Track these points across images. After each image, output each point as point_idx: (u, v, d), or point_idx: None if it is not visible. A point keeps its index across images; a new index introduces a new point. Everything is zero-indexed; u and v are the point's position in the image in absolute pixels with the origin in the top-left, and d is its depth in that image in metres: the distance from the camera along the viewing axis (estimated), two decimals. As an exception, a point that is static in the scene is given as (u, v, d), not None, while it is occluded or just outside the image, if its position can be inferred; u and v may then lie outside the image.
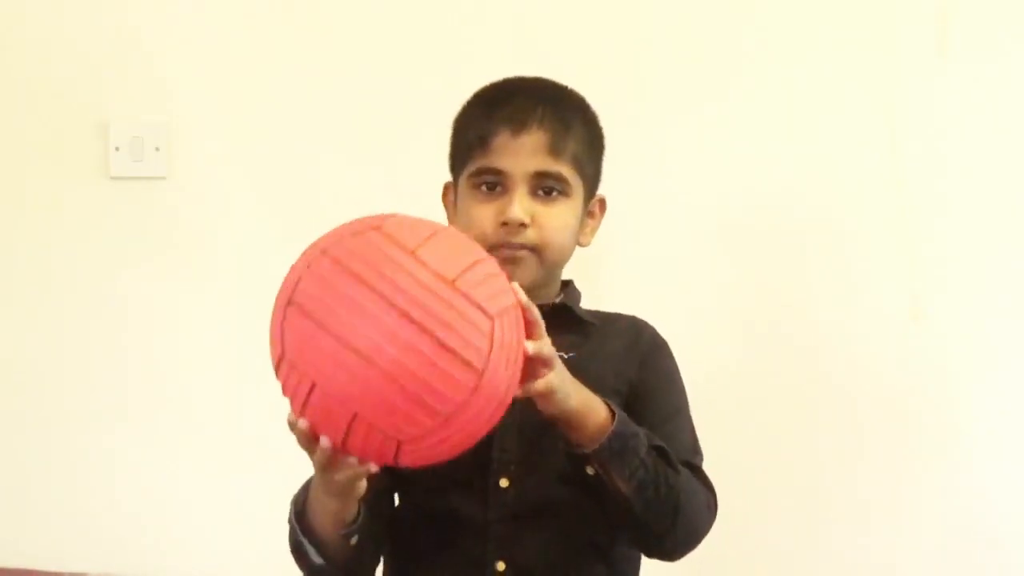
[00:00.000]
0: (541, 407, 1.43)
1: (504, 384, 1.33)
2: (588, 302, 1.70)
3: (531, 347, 1.36)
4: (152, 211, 2.38)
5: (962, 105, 2.19)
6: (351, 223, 1.36)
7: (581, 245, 1.66)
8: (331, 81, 2.33)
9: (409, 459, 1.32)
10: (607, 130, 1.70)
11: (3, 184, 2.41)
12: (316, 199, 2.32)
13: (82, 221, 2.39)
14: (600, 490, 1.49)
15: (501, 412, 1.35)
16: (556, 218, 1.58)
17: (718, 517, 1.59)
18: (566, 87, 1.66)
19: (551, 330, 1.47)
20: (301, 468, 1.44)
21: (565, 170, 1.58)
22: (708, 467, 1.62)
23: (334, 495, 1.42)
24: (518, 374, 1.35)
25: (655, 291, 2.23)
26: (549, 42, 2.25)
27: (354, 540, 1.46)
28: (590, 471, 1.48)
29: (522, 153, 1.56)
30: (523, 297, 1.37)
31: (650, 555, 1.60)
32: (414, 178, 1.77)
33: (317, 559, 1.47)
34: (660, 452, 1.50)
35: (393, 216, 1.35)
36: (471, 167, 1.60)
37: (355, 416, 1.27)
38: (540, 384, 1.39)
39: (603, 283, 2.10)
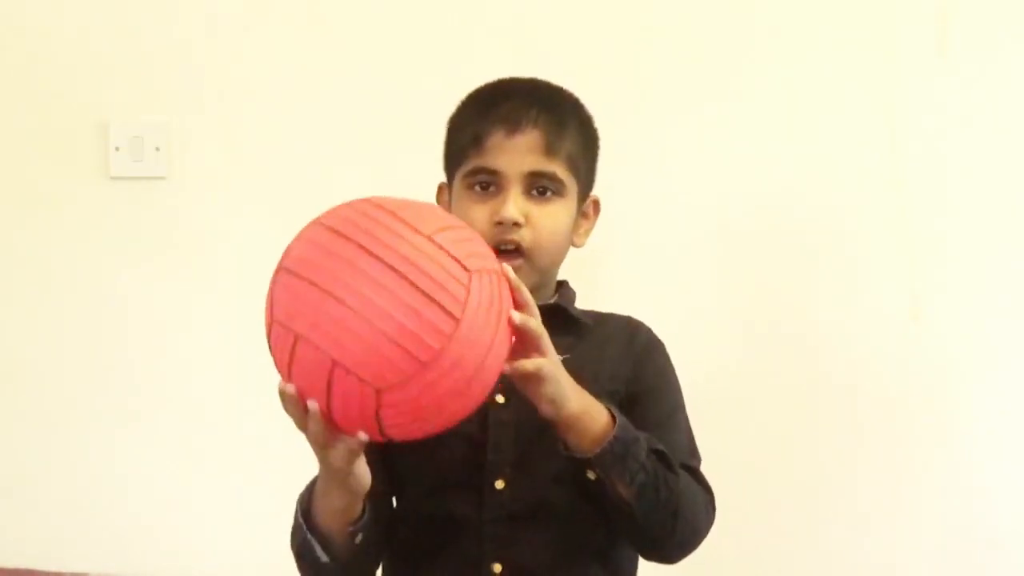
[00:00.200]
0: (542, 411, 1.43)
1: (485, 344, 1.33)
2: (588, 302, 1.70)
3: (517, 317, 1.36)
4: (152, 211, 2.38)
5: (962, 105, 2.19)
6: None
7: (575, 246, 1.66)
8: (330, 81, 2.34)
9: (393, 419, 1.32)
10: (607, 130, 1.70)
11: (3, 184, 2.42)
12: (316, 199, 2.29)
13: (82, 221, 2.39)
14: (599, 494, 1.49)
15: (486, 382, 1.35)
16: (550, 218, 1.58)
17: (718, 517, 1.59)
18: (561, 88, 1.66)
19: (548, 331, 1.47)
20: (302, 468, 1.45)
21: (559, 170, 1.58)
22: (708, 467, 1.62)
23: (337, 485, 1.42)
24: (504, 343, 1.36)
25: (655, 291, 2.23)
26: (549, 42, 2.25)
27: (359, 538, 1.47)
28: (591, 475, 1.48)
29: (516, 153, 1.57)
30: (513, 277, 1.38)
31: (649, 558, 1.60)
32: (414, 178, 1.76)
33: (323, 556, 1.47)
34: (660, 456, 1.50)
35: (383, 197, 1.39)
36: (465, 167, 1.60)
37: (334, 365, 1.29)
38: (529, 364, 1.39)
39: (603, 283, 2.10)
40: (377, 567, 1.60)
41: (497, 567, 1.53)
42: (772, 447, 2.23)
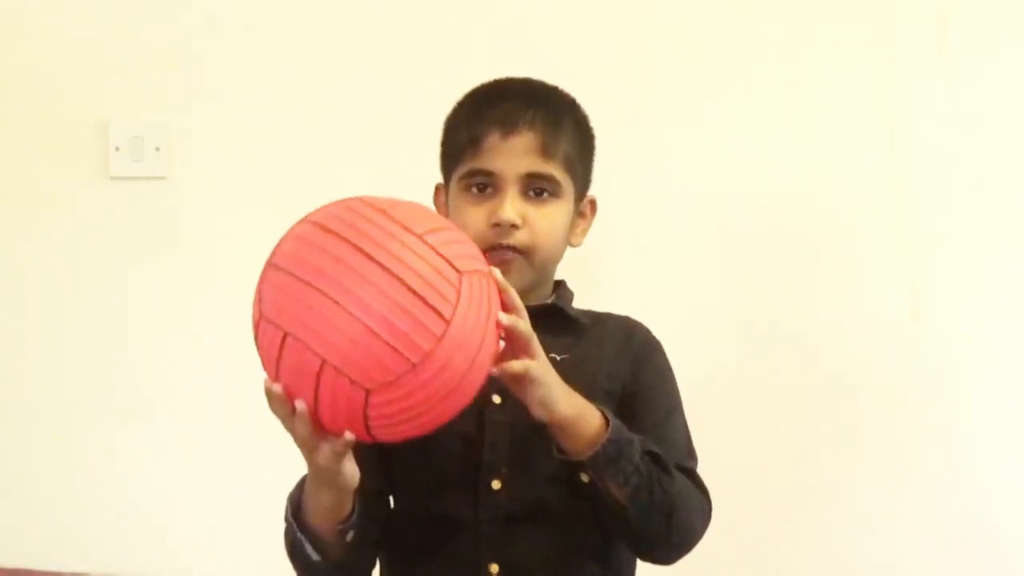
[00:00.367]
0: (534, 413, 1.43)
1: (474, 346, 1.33)
2: (587, 302, 1.70)
3: (505, 319, 1.36)
4: (152, 211, 2.38)
5: (962, 105, 2.19)
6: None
7: (572, 246, 1.66)
8: (330, 81, 2.34)
9: (380, 420, 1.32)
10: (607, 130, 1.70)
11: (3, 184, 2.42)
12: (316, 199, 2.30)
13: (82, 221, 2.39)
14: (594, 496, 1.49)
15: (474, 384, 1.35)
16: (547, 219, 1.58)
17: (718, 516, 1.59)
18: (557, 88, 1.66)
19: (543, 331, 1.48)
20: (301, 468, 1.44)
21: (556, 171, 1.58)
22: (708, 467, 1.62)
23: (325, 483, 1.42)
24: (493, 345, 1.36)
25: (655, 291, 2.23)
26: (549, 42, 2.25)
27: (350, 536, 1.47)
28: (584, 478, 1.48)
29: (513, 154, 1.57)
30: (501, 280, 1.38)
31: (645, 559, 1.60)
32: (414, 178, 1.77)
33: (314, 555, 1.47)
34: (654, 457, 1.50)
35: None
36: (462, 169, 1.60)
37: (323, 364, 1.29)
38: (517, 365, 1.39)
39: (603, 283, 2.11)
40: (373, 565, 1.60)
41: (494, 567, 1.53)
42: (772, 447, 2.23)
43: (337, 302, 1.28)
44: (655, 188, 2.25)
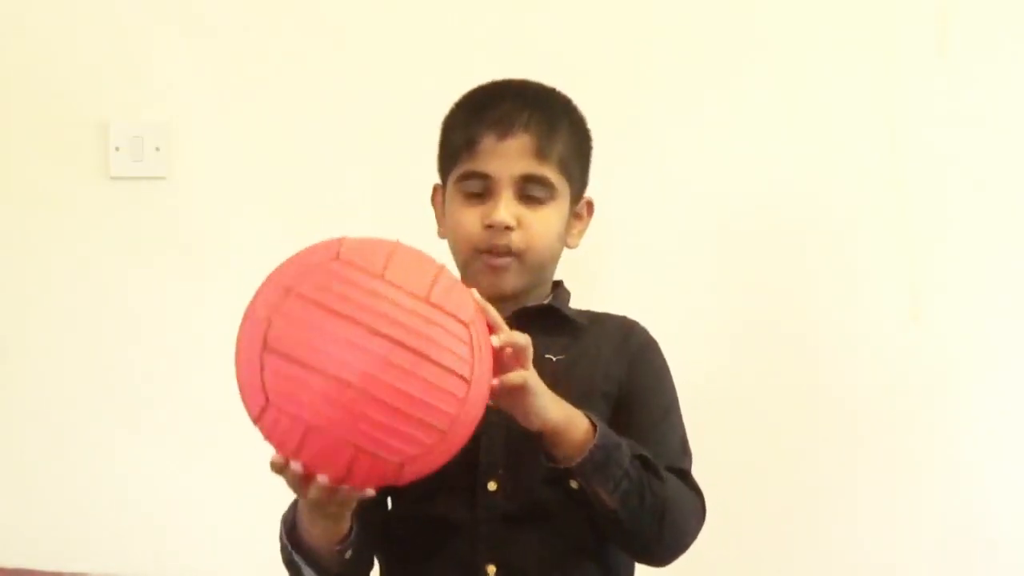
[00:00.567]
0: (523, 422, 1.43)
1: (487, 385, 1.34)
2: (587, 302, 1.70)
3: (496, 340, 1.36)
4: (152, 211, 2.38)
5: (962, 105, 2.19)
6: (303, 255, 1.34)
7: (569, 247, 1.66)
8: (330, 81, 2.34)
9: (409, 478, 1.33)
10: (606, 130, 1.70)
11: (3, 184, 2.41)
12: (316, 199, 2.33)
13: (82, 221, 2.39)
14: (585, 500, 1.49)
15: (482, 411, 1.35)
16: (542, 221, 1.58)
17: (718, 516, 1.59)
18: (553, 90, 1.66)
19: (540, 331, 1.48)
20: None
21: (551, 173, 1.58)
22: (707, 467, 1.62)
23: (321, 514, 1.42)
24: (491, 373, 1.36)
25: (654, 291, 2.23)
26: (549, 42, 2.25)
27: (348, 554, 1.47)
28: (574, 484, 1.48)
29: (508, 157, 1.57)
30: (480, 299, 1.37)
31: (639, 561, 1.61)
32: (413, 178, 1.77)
33: (312, 575, 1.47)
34: (644, 461, 1.49)
35: (342, 242, 1.33)
36: (458, 171, 1.60)
37: (356, 450, 1.27)
38: (516, 377, 1.38)
39: (601, 283, 2.11)
40: (371, 568, 1.60)
41: (491, 568, 1.53)
42: (771, 447, 2.22)
43: (368, 393, 1.24)
44: (654, 188, 2.25)
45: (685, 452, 1.61)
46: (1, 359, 2.41)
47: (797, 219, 2.24)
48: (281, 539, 1.50)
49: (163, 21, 2.38)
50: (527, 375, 1.40)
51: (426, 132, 1.69)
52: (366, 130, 2.31)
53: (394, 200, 2.23)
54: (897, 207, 2.21)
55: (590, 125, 1.67)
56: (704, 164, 2.25)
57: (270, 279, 1.33)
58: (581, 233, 1.68)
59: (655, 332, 1.67)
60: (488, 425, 1.37)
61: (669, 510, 1.49)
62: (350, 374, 1.24)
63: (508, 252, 1.57)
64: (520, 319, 1.58)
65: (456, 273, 1.64)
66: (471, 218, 1.58)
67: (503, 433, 1.52)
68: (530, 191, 1.58)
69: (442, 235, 1.66)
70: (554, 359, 1.56)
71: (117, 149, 2.37)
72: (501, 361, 1.38)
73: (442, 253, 1.64)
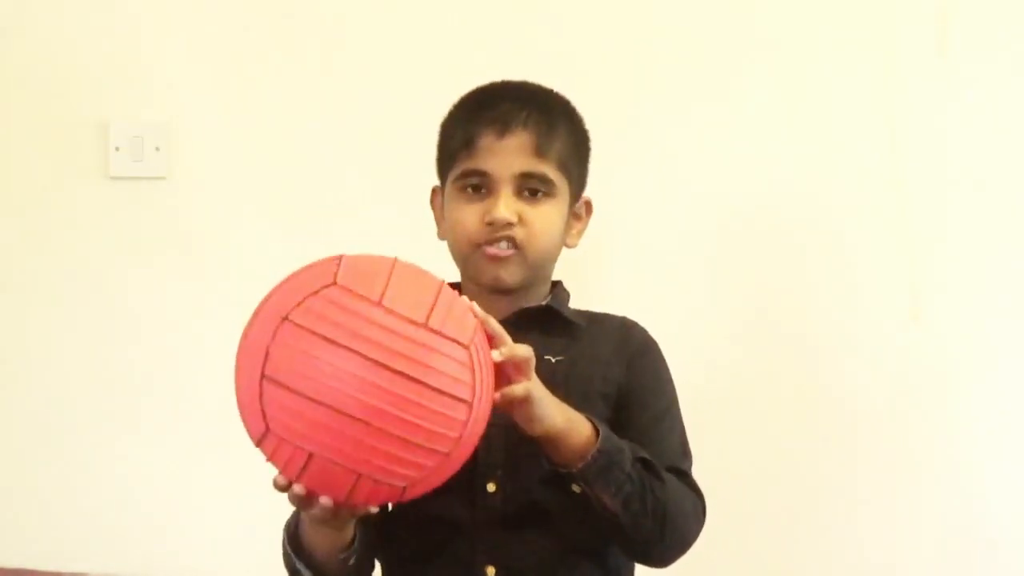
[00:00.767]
0: (525, 428, 1.43)
1: (489, 402, 1.34)
2: (585, 302, 1.70)
3: (497, 355, 1.36)
4: (152, 211, 2.38)
5: (962, 105, 2.19)
6: (299, 278, 1.33)
7: (568, 246, 1.66)
8: (330, 82, 2.34)
9: (413, 496, 1.34)
10: (606, 130, 1.70)
11: (3, 184, 2.41)
12: (316, 199, 2.33)
13: (82, 221, 2.39)
14: (585, 502, 1.49)
15: (485, 426, 1.36)
16: (541, 218, 1.59)
17: (718, 517, 1.59)
18: (551, 89, 1.67)
19: (539, 332, 1.48)
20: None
21: (550, 171, 1.59)
22: (707, 467, 1.62)
23: (330, 528, 1.43)
24: (493, 388, 1.36)
25: (654, 291, 2.23)
26: (548, 43, 2.25)
27: (352, 561, 1.48)
28: (575, 488, 1.48)
29: (507, 154, 1.57)
30: (480, 312, 1.37)
31: (639, 562, 1.61)
32: (413, 179, 1.77)
33: None
34: (645, 464, 1.50)
35: (340, 263, 1.32)
36: (457, 169, 1.60)
37: (359, 477, 1.27)
38: (519, 389, 1.39)
39: (602, 283, 2.11)
40: (372, 568, 1.60)
41: (491, 570, 1.53)
42: (771, 447, 2.22)
43: (370, 423, 1.24)
44: (654, 188, 2.25)
45: (685, 453, 1.61)
46: (1, 359, 2.41)
47: (797, 219, 2.24)
48: (284, 546, 1.51)
49: (163, 21, 2.38)
50: (530, 386, 1.40)
51: (426, 132, 1.69)
52: (366, 130, 2.31)
53: (394, 200, 2.24)
54: (897, 207, 2.21)
55: (590, 125, 1.68)
56: (704, 164, 2.25)
57: (268, 301, 1.32)
58: (580, 233, 1.68)
59: (655, 332, 1.67)
60: (488, 427, 1.37)
61: (670, 512, 1.50)
62: (350, 404, 1.24)
63: (510, 242, 1.57)
64: (519, 320, 1.58)
65: (456, 274, 1.65)
66: (471, 216, 1.58)
67: (502, 435, 1.51)
68: (529, 188, 1.58)
69: (441, 236, 1.66)
70: (553, 360, 1.57)
71: (117, 149, 2.37)
72: (504, 373, 1.38)
73: (442, 254, 1.64)
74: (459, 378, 1.28)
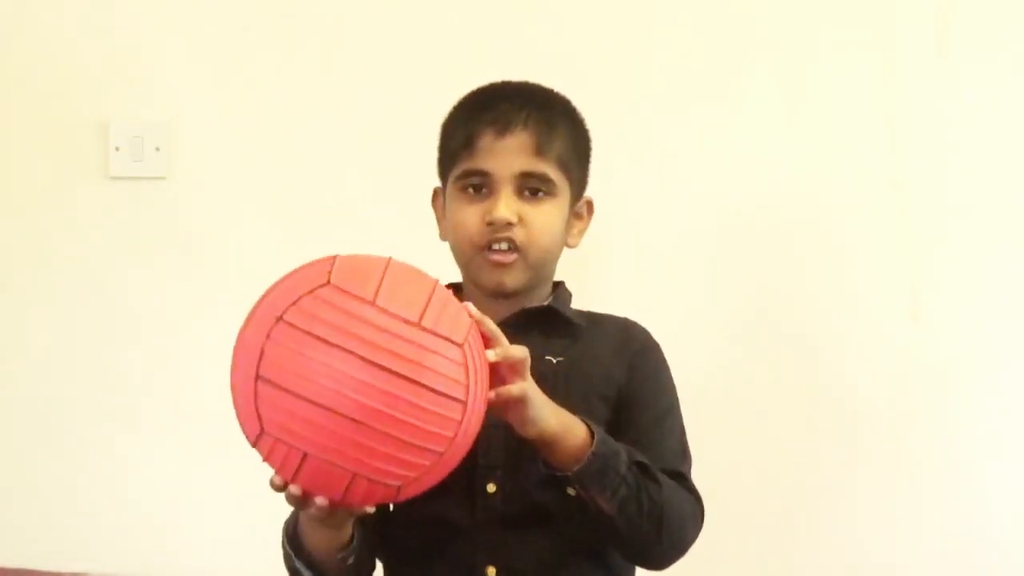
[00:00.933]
0: (519, 430, 1.43)
1: (484, 400, 1.34)
2: (586, 302, 1.70)
3: (491, 355, 1.36)
4: (152, 211, 2.38)
5: (962, 105, 2.19)
6: (294, 277, 1.33)
7: (569, 246, 1.66)
8: (330, 82, 2.34)
9: (408, 496, 1.34)
10: (607, 130, 1.70)
11: (3, 184, 2.41)
12: (316, 199, 2.33)
13: (82, 221, 2.39)
14: (585, 504, 1.49)
15: (480, 426, 1.36)
16: (542, 217, 1.59)
17: (718, 517, 1.59)
18: (551, 90, 1.67)
19: (539, 333, 1.47)
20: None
21: (550, 170, 1.59)
22: (707, 468, 1.62)
23: (328, 528, 1.43)
24: (488, 387, 1.36)
25: (654, 291, 2.23)
26: (549, 42, 2.25)
27: (351, 560, 1.48)
28: (571, 491, 1.48)
29: (507, 154, 1.57)
30: (475, 312, 1.37)
31: (637, 565, 1.61)
32: (413, 179, 1.77)
33: None
34: (641, 467, 1.49)
35: (334, 262, 1.32)
36: (457, 170, 1.61)
37: (354, 476, 1.27)
38: (515, 389, 1.39)
39: (602, 284, 2.11)
40: (373, 568, 1.60)
41: (491, 570, 1.53)
42: (771, 447, 2.22)
43: (363, 423, 1.24)
44: (654, 188, 2.25)
45: (684, 455, 1.61)
46: (1, 358, 2.41)
47: (797, 219, 2.24)
48: (283, 546, 1.51)
49: (163, 21, 2.37)
50: (525, 387, 1.40)
51: (426, 133, 1.70)
52: (366, 130, 2.31)
53: (394, 200, 2.24)
54: (897, 207, 2.21)
55: (590, 125, 1.68)
56: (704, 164, 2.25)
57: (263, 301, 1.32)
58: (581, 233, 1.68)
59: (655, 332, 1.67)
60: (487, 427, 1.38)
61: (667, 515, 1.50)
62: (343, 404, 1.24)
63: (510, 248, 1.57)
64: (520, 320, 1.58)
65: (456, 275, 1.65)
66: (472, 216, 1.58)
67: (502, 435, 1.51)
68: (530, 188, 1.58)
69: (443, 237, 1.66)
70: (554, 361, 1.57)
71: (117, 149, 2.37)
72: (499, 373, 1.38)
73: (443, 254, 1.64)
74: (453, 377, 1.28)
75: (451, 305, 1.34)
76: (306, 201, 2.33)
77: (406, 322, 1.27)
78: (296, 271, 1.34)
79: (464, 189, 1.60)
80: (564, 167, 1.61)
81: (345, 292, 1.28)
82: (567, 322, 1.64)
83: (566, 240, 1.65)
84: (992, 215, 2.19)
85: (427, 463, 1.29)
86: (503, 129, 1.57)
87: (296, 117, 2.34)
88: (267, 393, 1.27)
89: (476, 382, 1.31)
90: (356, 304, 1.27)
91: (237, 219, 2.35)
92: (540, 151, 1.58)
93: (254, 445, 1.31)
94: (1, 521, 2.38)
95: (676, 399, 1.64)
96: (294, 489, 1.31)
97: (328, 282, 1.29)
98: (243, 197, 2.35)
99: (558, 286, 1.68)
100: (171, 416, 2.36)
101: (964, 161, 2.20)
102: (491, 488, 1.54)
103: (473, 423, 1.32)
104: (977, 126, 2.19)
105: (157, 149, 2.36)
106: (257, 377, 1.28)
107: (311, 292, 1.28)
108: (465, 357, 1.30)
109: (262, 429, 1.28)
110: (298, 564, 1.48)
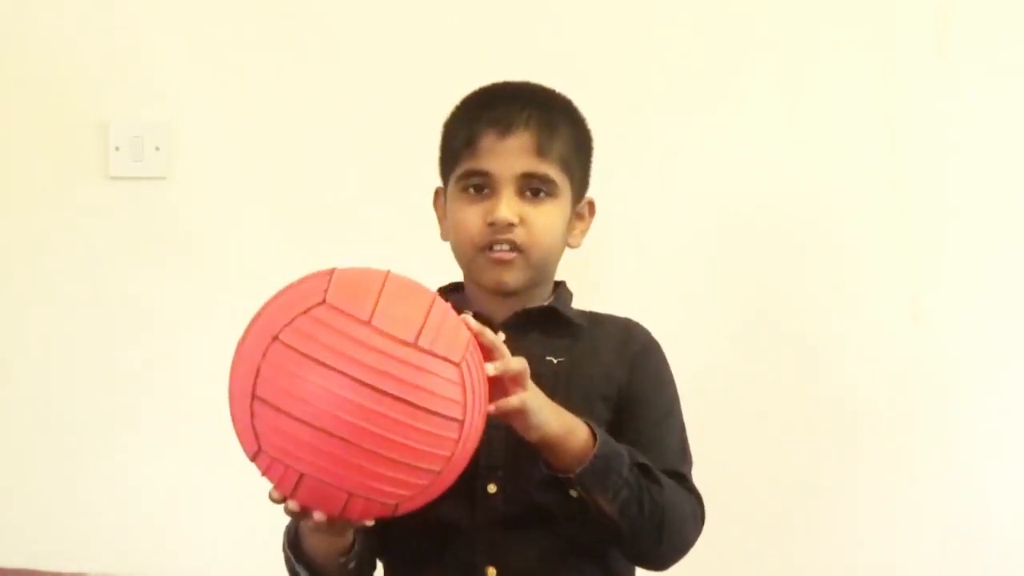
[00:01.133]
0: (522, 434, 1.43)
1: (482, 416, 1.33)
2: (587, 302, 1.70)
3: (491, 369, 1.35)
4: (152, 211, 2.38)
5: (962, 105, 2.20)
6: (290, 293, 1.32)
7: (571, 246, 1.66)
8: (330, 82, 2.34)
9: (407, 511, 1.33)
10: (607, 131, 1.70)
11: (3, 184, 2.41)
12: (316, 199, 2.33)
13: (82, 221, 2.39)
14: (586, 505, 1.49)
15: (478, 440, 1.35)
16: (544, 218, 1.58)
17: (718, 517, 1.59)
18: (553, 90, 1.67)
19: (540, 333, 1.47)
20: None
21: (552, 171, 1.59)
22: (706, 468, 1.62)
23: (329, 534, 1.43)
24: (487, 401, 1.35)
25: (655, 291, 2.23)
26: (549, 43, 2.25)
27: (352, 565, 1.48)
28: (573, 493, 1.48)
29: (508, 155, 1.57)
30: (474, 324, 1.37)
31: (639, 566, 1.61)
32: (414, 179, 1.77)
33: None
34: (643, 469, 1.49)
35: (331, 277, 1.31)
36: (459, 170, 1.60)
37: (350, 496, 1.27)
38: (514, 401, 1.39)
39: (602, 284, 2.11)
40: (374, 569, 1.60)
41: (492, 571, 1.53)
42: (771, 447, 2.22)
43: (358, 445, 1.24)
44: (655, 188, 2.25)
45: (685, 455, 1.61)
46: (1, 359, 2.41)
47: (797, 219, 2.24)
48: (284, 550, 1.51)
49: (163, 21, 2.38)
50: (525, 397, 1.40)
51: (426, 133, 1.69)
52: (366, 131, 2.31)
53: (394, 200, 2.24)
54: (897, 207, 2.21)
55: (591, 125, 1.68)
56: (704, 164, 2.25)
57: (260, 317, 1.32)
58: (583, 233, 1.68)
59: (655, 332, 1.67)
60: (488, 428, 1.38)
61: (668, 516, 1.50)
62: (338, 426, 1.24)
63: (512, 249, 1.57)
64: (521, 320, 1.58)
65: (457, 275, 1.65)
66: (473, 216, 1.58)
67: (503, 436, 1.51)
68: (531, 188, 1.58)
69: (444, 237, 1.66)
70: (555, 361, 1.57)
71: (117, 149, 2.37)
72: (499, 385, 1.37)
73: (443, 254, 1.65)
74: (450, 397, 1.27)
75: (449, 320, 1.32)
76: (306, 201, 2.33)
77: (402, 343, 1.26)
78: (293, 285, 1.33)
79: (465, 189, 1.60)
80: (566, 167, 1.60)
81: (340, 312, 1.27)
82: (568, 322, 1.63)
83: (567, 240, 1.65)
84: (992, 215, 2.19)
85: (424, 482, 1.29)
86: (505, 130, 1.57)
87: (296, 117, 2.34)
88: (263, 413, 1.27)
89: (474, 400, 1.30)
90: (352, 325, 1.26)
91: (237, 219, 2.35)
92: (542, 152, 1.58)
93: (252, 460, 1.31)
94: (1, 521, 2.38)
95: (677, 399, 1.64)
96: (292, 505, 1.31)
97: (324, 301, 1.28)
98: (243, 197, 2.35)
99: (559, 286, 1.68)
100: (171, 416, 2.36)
101: (964, 161, 2.20)
102: (492, 489, 1.54)
103: (471, 440, 1.31)
104: (977, 126, 2.19)
105: (157, 149, 2.36)
106: (254, 397, 1.28)
107: (307, 312, 1.27)
108: (462, 375, 1.29)
109: (259, 447, 1.29)
110: (299, 568, 1.48)
